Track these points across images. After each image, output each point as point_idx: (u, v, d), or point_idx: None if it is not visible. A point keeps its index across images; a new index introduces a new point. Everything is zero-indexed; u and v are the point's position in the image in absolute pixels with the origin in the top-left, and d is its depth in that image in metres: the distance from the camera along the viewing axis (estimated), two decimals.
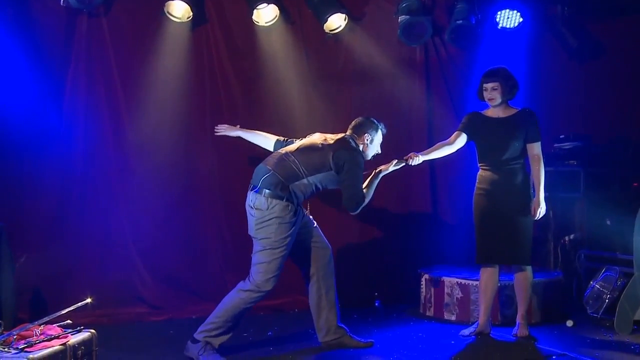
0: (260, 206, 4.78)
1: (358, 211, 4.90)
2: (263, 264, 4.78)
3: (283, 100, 6.64)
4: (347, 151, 4.88)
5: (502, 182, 5.34)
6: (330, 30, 6.67)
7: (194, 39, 6.43)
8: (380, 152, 5.21)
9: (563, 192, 6.52)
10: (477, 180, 5.48)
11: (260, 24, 6.47)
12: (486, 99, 5.41)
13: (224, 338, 4.85)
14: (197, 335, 4.82)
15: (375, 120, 5.16)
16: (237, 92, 6.59)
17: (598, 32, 7.08)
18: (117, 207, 6.22)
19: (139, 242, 6.25)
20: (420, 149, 6.94)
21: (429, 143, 6.92)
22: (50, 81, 6.00)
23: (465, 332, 5.52)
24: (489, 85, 5.37)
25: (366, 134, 5.07)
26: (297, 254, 5.04)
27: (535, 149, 5.34)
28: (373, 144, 5.11)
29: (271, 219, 4.76)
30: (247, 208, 4.92)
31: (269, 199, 4.76)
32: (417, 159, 5.30)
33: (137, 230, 6.25)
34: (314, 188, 4.92)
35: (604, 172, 6.65)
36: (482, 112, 5.53)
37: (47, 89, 5.98)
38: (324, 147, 4.92)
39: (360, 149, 5.02)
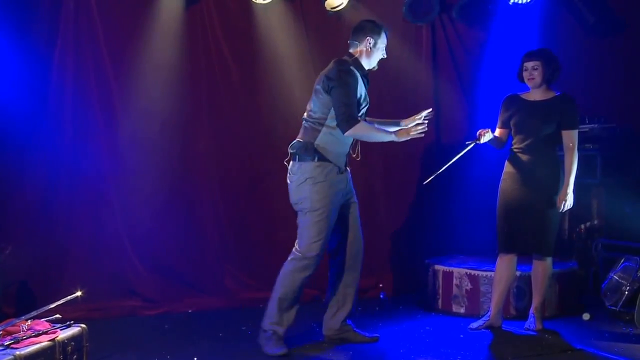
0: (294, 171, 4.90)
1: (350, 132, 4.74)
2: (303, 229, 4.88)
3: (282, 81, 6.61)
4: (333, 70, 4.80)
5: (531, 167, 5.33)
6: (332, 8, 6.62)
7: (188, 17, 6.40)
8: (385, 56, 5.06)
9: (579, 178, 6.47)
10: (506, 164, 5.48)
11: (257, 2, 6.43)
12: (525, 80, 5.38)
13: (289, 319, 4.91)
14: (263, 325, 4.91)
15: (375, 21, 5.06)
16: (234, 73, 6.57)
17: (617, 5, 6.99)
18: (109, 195, 6.21)
19: (131, 231, 6.24)
20: (426, 134, 6.97)
21: (436, 126, 6.91)
22: (35, 63, 5.95)
23: (475, 325, 5.51)
24: (529, 65, 5.34)
25: (368, 38, 4.94)
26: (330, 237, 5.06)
27: (570, 136, 5.30)
28: (377, 47, 4.96)
29: (305, 180, 4.83)
30: (288, 181, 5.00)
31: (299, 162, 4.87)
32: (487, 135, 5.29)
33: (130, 220, 6.24)
34: (339, 132, 4.84)
35: (623, 157, 6.61)
36: (519, 94, 5.50)
37: (33, 72, 5.94)
38: (319, 83, 4.88)
39: (363, 56, 4.95)
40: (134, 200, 6.26)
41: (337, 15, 6.69)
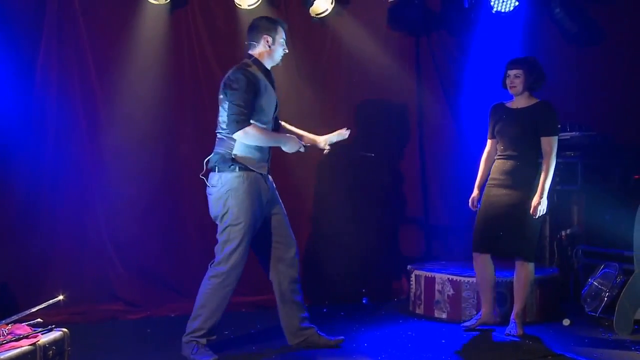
0: (213, 183, 4.74)
1: (239, 134, 4.62)
2: (223, 242, 4.73)
3: None
4: (229, 75, 4.74)
5: (513, 173, 5.38)
6: (317, 14, 6.62)
7: (172, 22, 6.39)
8: (287, 50, 4.99)
9: (560, 185, 6.51)
10: (491, 171, 5.54)
11: (242, 7, 6.41)
12: (508, 87, 5.43)
13: (212, 332, 4.81)
14: (185, 338, 4.79)
15: (269, 17, 5.03)
16: (218, 78, 6.46)
17: (599, 15, 7.04)
18: (91, 198, 6.17)
19: (114, 235, 6.21)
20: (409, 138, 7.00)
21: (419, 132, 6.93)
22: (18, 68, 5.90)
23: (468, 324, 5.55)
24: (512, 72, 5.39)
25: (265, 36, 4.87)
26: (258, 249, 4.97)
27: (547, 143, 5.33)
28: (276, 43, 4.87)
29: (226, 192, 4.69)
30: (207, 194, 4.85)
31: (219, 173, 4.73)
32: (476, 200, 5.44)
33: (113, 223, 6.21)
34: None
35: (603, 164, 6.64)
36: (505, 102, 5.56)
37: (16, 75, 5.89)
38: (221, 92, 4.80)
39: (265, 56, 4.87)
40: (117, 204, 6.22)
41: (322, 21, 6.70)
